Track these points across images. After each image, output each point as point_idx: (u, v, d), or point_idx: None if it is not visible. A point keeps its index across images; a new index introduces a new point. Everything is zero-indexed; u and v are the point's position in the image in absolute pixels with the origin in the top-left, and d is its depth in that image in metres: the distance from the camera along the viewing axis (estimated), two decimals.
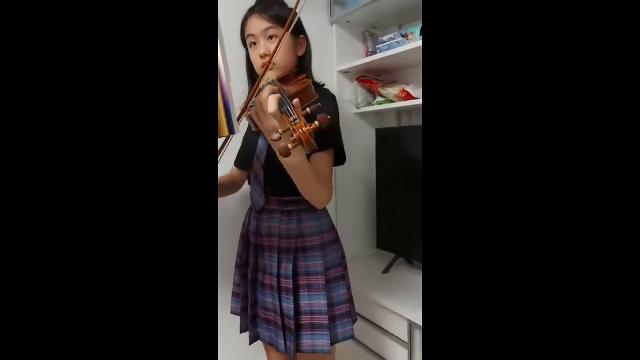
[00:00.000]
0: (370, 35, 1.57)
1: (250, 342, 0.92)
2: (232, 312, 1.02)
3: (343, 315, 0.89)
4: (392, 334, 1.21)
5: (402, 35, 1.35)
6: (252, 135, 0.92)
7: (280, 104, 0.59)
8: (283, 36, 0.67)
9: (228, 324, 1.37)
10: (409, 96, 1.33)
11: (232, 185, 1.07)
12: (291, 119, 0.56)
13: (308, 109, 0.57)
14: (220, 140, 0.64)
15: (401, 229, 1.41)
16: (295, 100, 0.59)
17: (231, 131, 0.60)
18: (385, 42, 1.37)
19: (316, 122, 0.52)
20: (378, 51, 1.41)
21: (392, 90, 1.40)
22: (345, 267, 0.93)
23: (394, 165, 1.42)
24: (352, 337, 0.89)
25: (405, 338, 1.16)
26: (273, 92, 0.61)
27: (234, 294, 1.02)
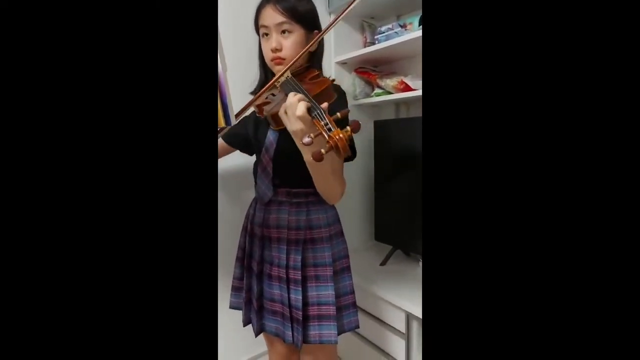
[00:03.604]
0: (369, 25, 1.55)
1: (257, 335, 0.92)
2: (231, 307, 1.00)
3: (349, 306, 0.90)
4: (390, 326, 1.22)
5: (401, 26, 1.33)
6: (260, 126, 0.90)
7: (310, 108, 0.61)
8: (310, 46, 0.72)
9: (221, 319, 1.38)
10: (407, 88, 1.32)
11: None
12: (322, 122, 0.58)
13: (339, 114, 0.59)
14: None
15: (399, 221, 1.41)
16: (325, 105, 0.61)
17: (228, 123, 0.60)
18: (384, 32, 1.36)
19: (348, 127, 0.55)
20: (376, 42, 1.39)
21: (390, 82, 1.38)
22: (349, 259, 0.94)
23: (392, 157, 1.42)
24: (358, 327, 0.90)
25: (403, 329, 1.17)
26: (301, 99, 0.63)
27: (235, 289, 1.00)
